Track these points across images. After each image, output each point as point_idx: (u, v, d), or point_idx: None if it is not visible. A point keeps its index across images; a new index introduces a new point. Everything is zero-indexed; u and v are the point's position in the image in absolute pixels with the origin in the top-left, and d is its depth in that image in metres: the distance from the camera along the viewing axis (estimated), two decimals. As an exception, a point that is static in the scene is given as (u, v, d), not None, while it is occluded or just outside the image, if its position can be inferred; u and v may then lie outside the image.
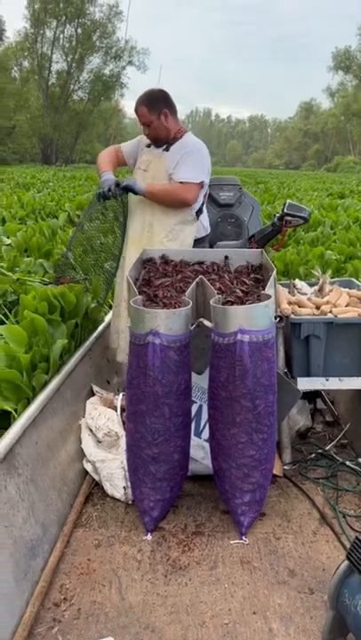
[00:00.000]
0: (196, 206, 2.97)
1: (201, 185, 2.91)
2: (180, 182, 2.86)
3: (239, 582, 1.90)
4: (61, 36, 52.41)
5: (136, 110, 2.95)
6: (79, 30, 52.23)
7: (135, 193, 2.91)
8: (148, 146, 3.07)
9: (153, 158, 3.00)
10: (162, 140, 2.98)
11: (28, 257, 5.35)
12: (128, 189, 2.91)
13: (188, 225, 2.97)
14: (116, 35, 52.66)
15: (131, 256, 2.92)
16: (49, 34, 52.25)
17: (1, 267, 5.02)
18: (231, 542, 2.10)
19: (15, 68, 53.85)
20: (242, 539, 2.12)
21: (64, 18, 51.18)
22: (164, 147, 2.98)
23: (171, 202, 2.90)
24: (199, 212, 3.00)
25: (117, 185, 2.90)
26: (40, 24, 51.35)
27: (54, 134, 51.94)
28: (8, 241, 6.28)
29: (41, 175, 22.66)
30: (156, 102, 2.91)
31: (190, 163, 2.90)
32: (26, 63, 54.02)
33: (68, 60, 53.08)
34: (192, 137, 3.04)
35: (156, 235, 2.94)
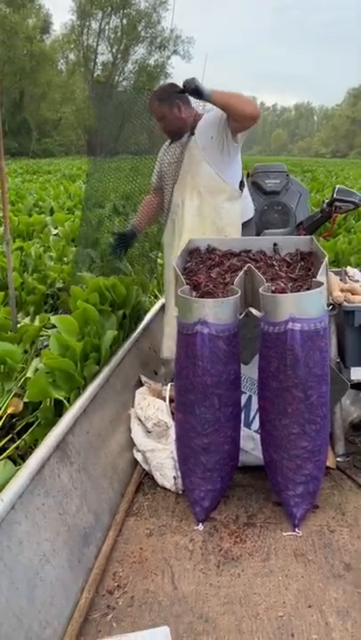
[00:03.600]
0: (238, 178, 2.93)
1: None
2: None
3: (293, 575, 1.87)
4: (107, 27, 52.69)
5: (150, 107, 2.95)
6: (124, 21, 52.33)
7: (197, 96, 2.71)
8: (171, 143, 3.04)
9: (180, 146, 2.94)
10: (178, 131, 2.95)
11: (75, 246, 5.43)
12: (191, 90, 2.68)
13: (235, 201, 2.93)
14: (161, 24, 52.41)
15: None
16: (94, 25, 52.60)
17: (50, 256, 5.10)
18: (284, 534, 2.07)
19: (61, 61, 54.49)
20: (295, 531, 2.09)
21: (109, 9, 51.33)
22: (188, 133, 2.94)
23: (239, 103, 2.68)
24: (241, 184, 2.96)
25: None
26: (86, 16, 51.64)
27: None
28: (55, 231, 6.39)
29: (87, 167, 22.82)
30: (167, 96, 2.89)
31: None
32: (72, 55, 54.58)
33: (114, 51, 53.35)
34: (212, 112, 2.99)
35: (207, 217, 2.90)
